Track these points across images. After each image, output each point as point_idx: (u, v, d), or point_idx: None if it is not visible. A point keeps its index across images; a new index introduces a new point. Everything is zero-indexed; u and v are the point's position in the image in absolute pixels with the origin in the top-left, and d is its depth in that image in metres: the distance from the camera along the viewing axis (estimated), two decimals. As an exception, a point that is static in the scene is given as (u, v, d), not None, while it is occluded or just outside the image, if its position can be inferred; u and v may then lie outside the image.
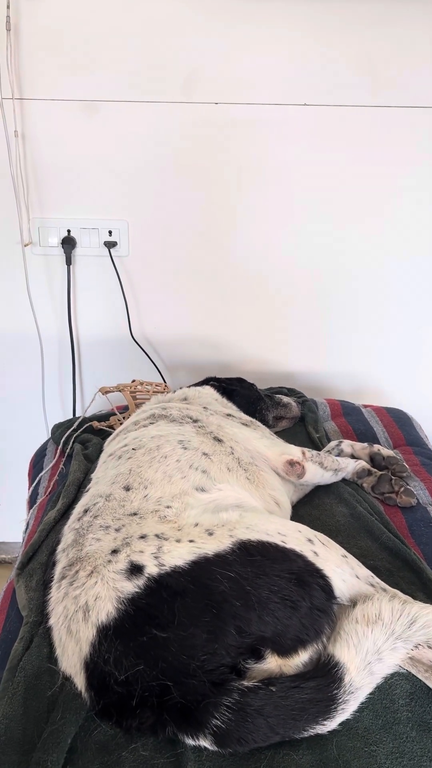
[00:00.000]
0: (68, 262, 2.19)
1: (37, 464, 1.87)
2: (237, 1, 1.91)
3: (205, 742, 0.87)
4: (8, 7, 1.88)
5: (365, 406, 2.03)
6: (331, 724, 0.89)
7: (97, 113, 2.04)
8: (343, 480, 1.57)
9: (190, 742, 0.88)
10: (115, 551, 1.02)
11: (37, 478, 1.75)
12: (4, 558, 2.72)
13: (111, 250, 2.17)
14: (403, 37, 1.96)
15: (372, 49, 1.97)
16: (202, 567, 0.97)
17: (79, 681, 0.95)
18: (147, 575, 0.96)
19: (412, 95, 2.02)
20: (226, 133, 2.07)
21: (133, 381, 2.04)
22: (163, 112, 2.03)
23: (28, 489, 1.79)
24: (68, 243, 2.16)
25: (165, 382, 2.31)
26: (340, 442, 1.69)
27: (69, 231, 2.16)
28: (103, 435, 1.85)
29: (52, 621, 1.04)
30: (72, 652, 0.96)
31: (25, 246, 2.16)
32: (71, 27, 1.94)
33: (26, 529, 1.57)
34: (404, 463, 1.58)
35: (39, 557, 1.29)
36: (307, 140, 2.08)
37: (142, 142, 2.07)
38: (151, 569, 0.97)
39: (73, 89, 2.01)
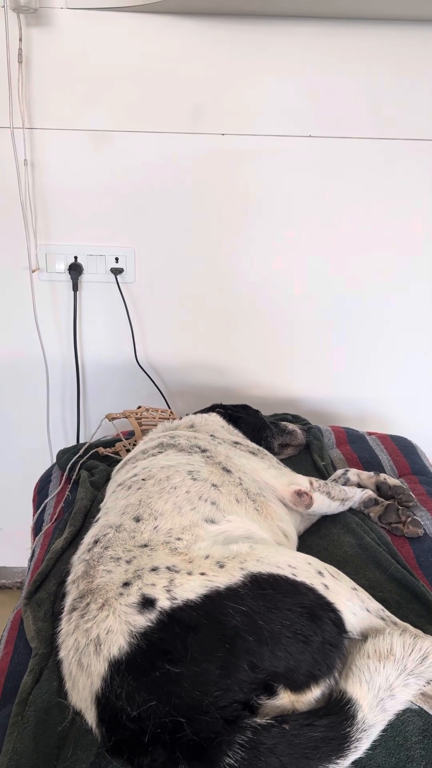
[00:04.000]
0: (75, 288, 2.21)
1: (42, 490, 1.87)
2: (243, 33, 1.95)
3: (217, 781, 0.86)
4: (20, 39, 1.92)
5: (370, 434, 2.03)
6: (343, 763, 0.88)
7: (104, 143, 2.07)
8: (350, 509, 1.57)
9: (202, 780, 0.87)
10: (126, 584, 1.02)
11: (43, 505, 1.75)
12: (5, 583, 2.70)
13: (117, 276, 2.19)
14: (407, 70, 2.00)
15: (376, 81, 2.01)
16: (214, 601, 0.97)
17: (90, 716, 0.94)
18: (159, 609, 0.96)
19: (417, 128, 2.05)
20: (232, 163, 2.10)
21: (139, 407, 2.05)
22: (170, 142, 2.07)
23: (33, 515, 1.79)
24: (75, 269, 2.18)
25: (170, 407, 2.32)
26: (347, 470, 1.69)
27: (76, 257, 2.19)
28: (109, 461, 1.86)
29: (62, 654, 1.03)
30: (83, 687, 0.96)
31: (32, 272, 2.18)
32: (81, 59, 1.97)
33: (32, 557, 1.56)
34: (410, 493, 1.59)
35: (47, 586, 1.29)
36: (312, 171, 2.11)
37: (149, 172, 2.10)
38: (164, 603, 0.96)
39: (81, 119, 2.04)
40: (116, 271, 2.19)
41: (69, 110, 2.03)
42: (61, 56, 1.97)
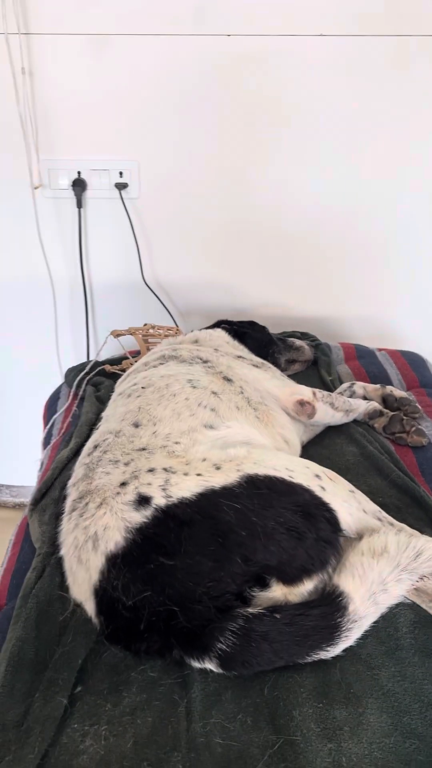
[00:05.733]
0: (79, 204, 2.16)
1: (51, 407, 1.89)
2: None
3: (210, 665, 0.89)
4: None
5: (380, 350, 2.01)
6: (334, 650, 0.91)
7: (105, 48, 1.97)
8: (355, 421, 1.57)
9: (196, 664, 0.91)
10: (123, 484, 1.03)
11: (51, 420, 1.77)
12: (23, 501, 2.78)
13: (122, 191, 2.13)
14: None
15: (392, -28, 1.87)
16: (208, 498, 0.98)
17: (89, 607, 0.98)
18: (154, 506, 0.97)
19: (434, 22, 1.92)
20: (240, 67, 1.99)
21: (145, 325, 2.04)
22: (174, 45, 1.96)
23: (43, 431, 1.82)
24: (79, 185, 2.12)
25: (177, 326, 2.30)
26: (353, 383, 1.68)
27: (79, 173, 2.13)
28: (116, 378, 1.85)
29: (63, 551, 1.07)
30: (82, 580, 0.99)
31: (35, 189, 2.13)
32: None
33: (40, 468, 1.59)
34: (417, 404, 1.57)
35: (52, 493, 1.31)
36: (323, 73, 1.99)
37: (152, 78, 2.01)
38: (159, 500, 0.98)
39: (80, 22, 1.93)
40: (120, 186, 2.13)
41: (67, 13, 1.92)
42: None
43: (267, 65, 1.99)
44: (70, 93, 2.03)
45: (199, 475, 1.03)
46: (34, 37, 1.96)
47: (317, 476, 1.10)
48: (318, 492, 1.06)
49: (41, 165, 2.11)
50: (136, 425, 1.19)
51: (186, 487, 1.00)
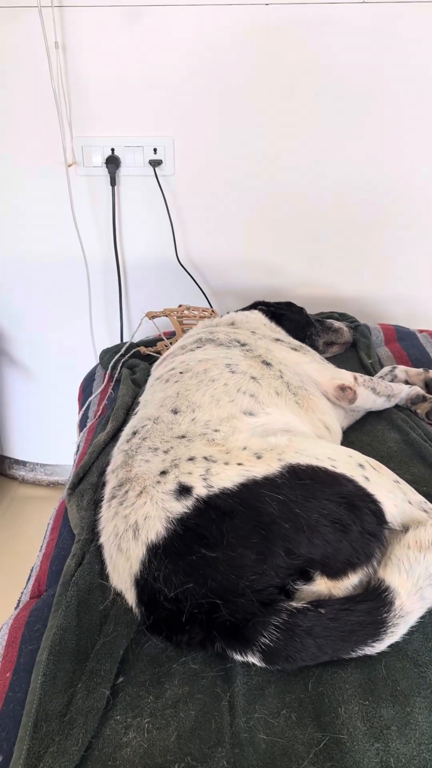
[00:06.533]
0: (113, 182, 2.12)
1: (86, 389, 1.89)
2: None
3: (253, 659, 0.88)
4: None
5: (421, 331, 1.95)
6: (379, 646, 0.89)
7: (139, 20, 1.92)
8: (396, 406, 1.53)
9: (238, 658, 0.89)
10: (163, 472, 1.02)
11: (87, 403, 1.77)
12: (57, 480, 2.81)
13: (156, 169, 2.09)
14: None
15: None
16: (250, 489, 0.96)
17: (130, 597, 0.97)
18: (196, 496, 0.95)
19: None
20: (278, 38, 1.93)
21: (180, 306, 2.01)
22: (210, 15, 1.90)
23: (78, 413, 1.82)
24: (112, 162, 2.09)
25: (212, 307, 2.27)
26: (394, 367, 1.63)
27: (113, 150, 2.09)
28: (151, 360, 1.84)
29: (103, 539, 1.06)
30: (122, 569, 0.98)
31: (68, 166, 2.10)
32: None
33: (77, 451, 1.59)
34: (461, 389, 1.52)
35: (89, 478, 1.31)
36: (367, 43, 1.91)
37: (187, 51, 1.95)
38: (200, 490, 0.96)
39: (113, -7, 1.89)
40: (155, 164, 2.09)
41: (100, -17, 1.88)
42: None
43: (307, 35, 1.92)
44: (104, 67, 1.99)
45: (239, 464, 1.01)
46: (68, 10, 1.92)
47: (361, 466, 1.07)
48: (362, 482, 1.03)
49: (75, 142, 2.09)
50: (175, 411, 1.17)
51: (227, 477, 0.98)
